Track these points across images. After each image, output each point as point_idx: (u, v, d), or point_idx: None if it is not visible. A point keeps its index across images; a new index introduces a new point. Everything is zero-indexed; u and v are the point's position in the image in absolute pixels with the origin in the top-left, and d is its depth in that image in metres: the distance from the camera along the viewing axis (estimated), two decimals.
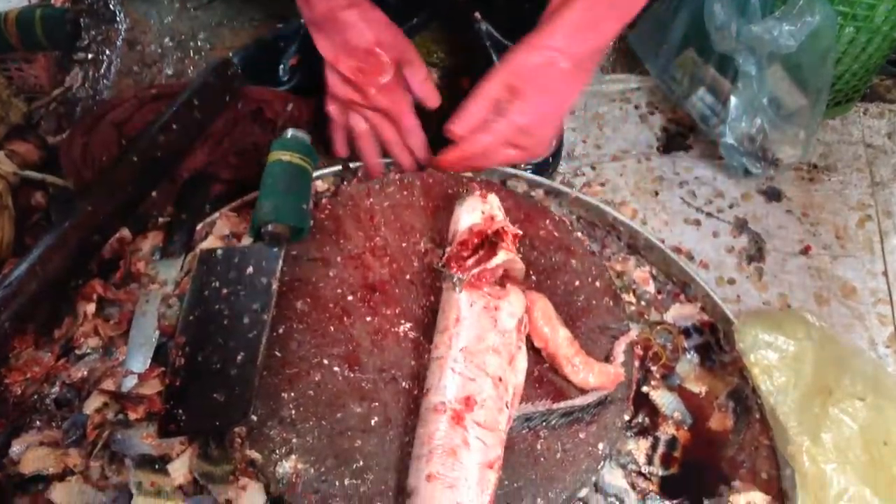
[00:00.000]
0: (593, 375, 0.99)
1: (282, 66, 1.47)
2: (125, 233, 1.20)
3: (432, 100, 1.18)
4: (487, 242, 1.00)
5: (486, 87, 1.03)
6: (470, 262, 0.98)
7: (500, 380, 0.90)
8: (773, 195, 1.42)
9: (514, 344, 0.95)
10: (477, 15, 1.40)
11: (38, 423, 1.02)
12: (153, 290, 1.12)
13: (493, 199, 1.05)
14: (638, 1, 1.03)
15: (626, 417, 1.06)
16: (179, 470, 0.96)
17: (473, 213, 1.03)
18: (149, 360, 1.05)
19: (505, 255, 0.97)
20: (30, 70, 1.37)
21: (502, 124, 1.04)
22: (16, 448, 0.98)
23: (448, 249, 1.02)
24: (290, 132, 1.13)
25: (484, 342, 0.92)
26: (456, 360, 0.91)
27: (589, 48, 1.04)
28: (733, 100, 1.32)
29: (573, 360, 1.00)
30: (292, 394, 0.97)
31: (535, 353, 1.02)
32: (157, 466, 0.96)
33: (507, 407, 0.91)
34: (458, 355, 0.92)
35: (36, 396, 1.04)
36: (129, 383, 1.03)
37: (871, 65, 1.42)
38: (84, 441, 0.99)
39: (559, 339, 1.00)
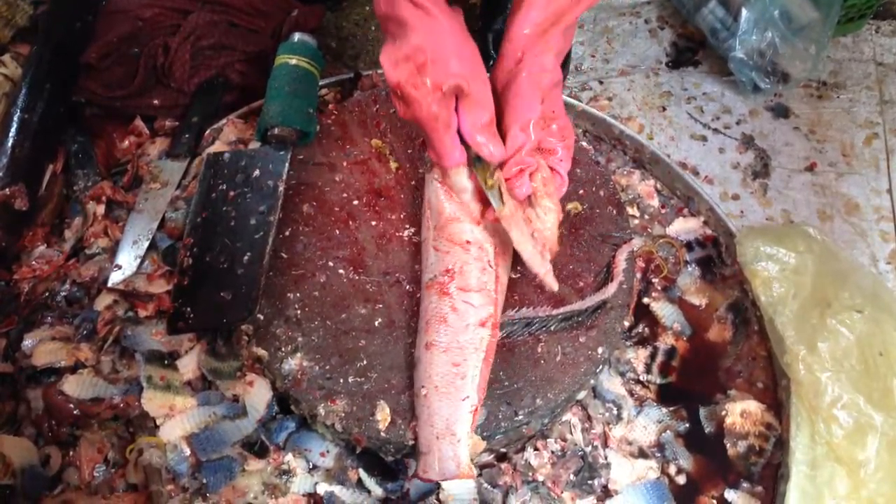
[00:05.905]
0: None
1: None
2: (139, 122, 1.22)
3: (487, 154, 0.86)
4: None
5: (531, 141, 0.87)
6: None
7: (469, 242, 0.92)
8: (781, 112, 1.41)
9: (471, 206, 0.92)
10: None
11: (49, 319, 1.04)
12: (152, 190, 1.13)
13: None
14: None
15: (626, 324, 1.08)
16: (188, 366, 0.99)
17: None
18: (139, 257, 1.07)
19: None
20: None
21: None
22: (28, 342, 1.01)
23: None
24: (296, 36, 1.12)
25: (443, 214, 0.93)
26: (434, 239, 0.94)
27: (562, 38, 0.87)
28: (744, 12, 1.31)
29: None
30: (298, 294, 0.99)
31: None
32: (166, 362, 0.99)
33: (491, 266, 0.92)
34: (433, 234, 0.94)
35: (47, 294, 1.06)
36: (117, 278, 1.05)
37: None
38: (95, 336, 1.02)
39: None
